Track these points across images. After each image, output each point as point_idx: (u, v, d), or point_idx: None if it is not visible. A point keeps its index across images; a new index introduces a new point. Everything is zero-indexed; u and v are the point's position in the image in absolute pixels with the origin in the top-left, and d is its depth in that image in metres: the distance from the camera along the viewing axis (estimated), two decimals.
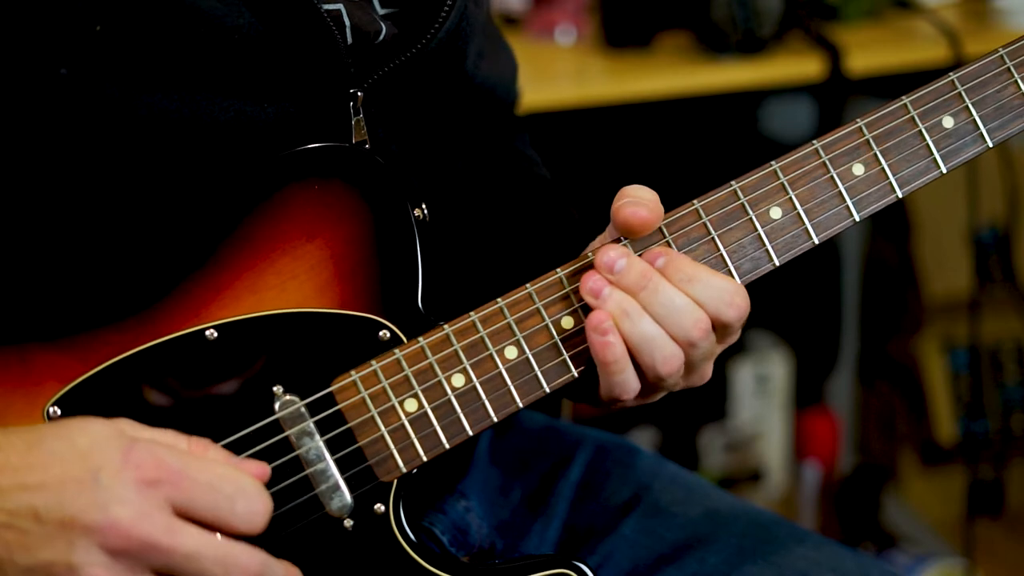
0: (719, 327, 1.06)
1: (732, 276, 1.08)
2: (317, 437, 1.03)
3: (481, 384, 1.05)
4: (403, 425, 1.04)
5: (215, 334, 1.03)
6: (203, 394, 1.03)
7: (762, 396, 2.80)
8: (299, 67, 1.06)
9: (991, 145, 1.12)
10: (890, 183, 1.10)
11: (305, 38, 1.06)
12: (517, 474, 1.33)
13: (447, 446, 1.05)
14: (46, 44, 1.00)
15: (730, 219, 1.09)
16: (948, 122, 1.11)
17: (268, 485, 1.00)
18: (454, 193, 1.24)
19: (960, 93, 1.12)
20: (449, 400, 1.05)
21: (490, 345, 1.05)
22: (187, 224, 1.05)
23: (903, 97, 1.12)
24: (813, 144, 1.10)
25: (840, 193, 1.10)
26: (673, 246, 1.07)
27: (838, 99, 2.34)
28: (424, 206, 1.07)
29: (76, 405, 1.01)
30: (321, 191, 1.05)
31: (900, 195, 1.11)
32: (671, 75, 2.23)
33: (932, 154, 1.11)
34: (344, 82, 1.08)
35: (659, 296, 1.03)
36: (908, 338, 2.77)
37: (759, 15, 2.22)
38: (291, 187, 1.05)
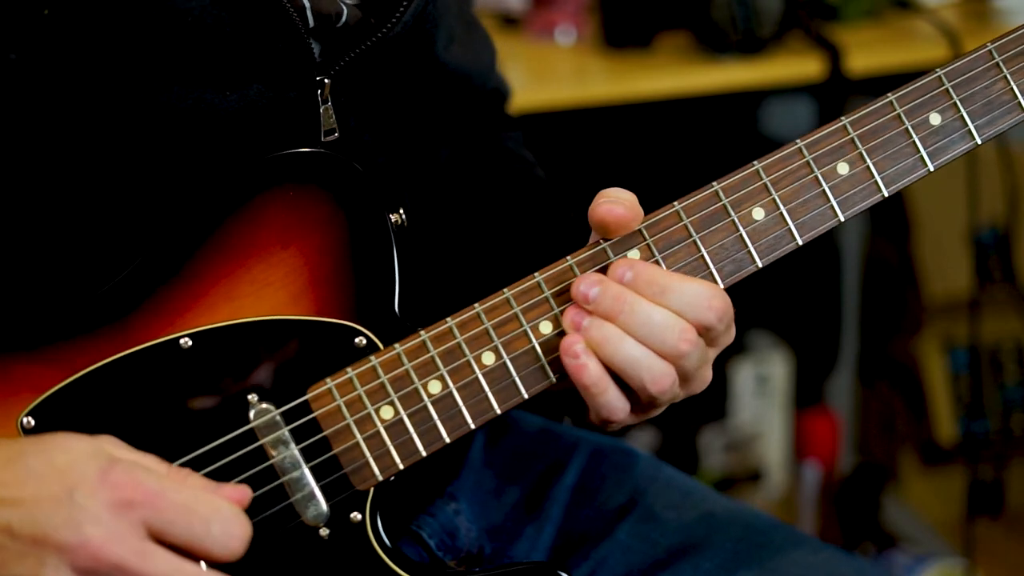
0: (703, 332, 1.03)
1: (714, 278, 1.06)
2: (292, 445, 1.02)
3: (458, 390, 1.04)
4: (379, 432, 1.03)
5: (189, 342, 1.02)
6: (178, 403, 1.02)
7: (762, 396, 2.80)
8: (259, 52, 1.05)
9: (979, 142, 1.10)
10: (875, 182, 1.09)
11: (261, 21, 1.03)
12: (512, 477, 1.31)
13: (424, 453, 1.04)
14: None
15: (712, 220, 1.07)
16: (935, 119, 1.10)
17: None
18: (436, 187, 1.22)
19: (947, 89, 1.10)
20: (426, 407, 1.03)
21: (467, 351, 1.04)
22: (161, 230, 1.04)
23: (889, 94, 1.10)
24: (796, 143, 1.08)
25: (824, 192, 1.08)
26: (654, 248, 1.06)
27: (838, 99, 2.34)
28: (402, 211, 1.06)
29: (50, 415, 1.00)
30: (296, 197, 1.04)
31: (886, 194, 1.09)
32: (671, 75, 2.23)
33: (919, 152, 1.09)
34: (309, 69, 1.07)
35: (637, 316, 1.01)
36: (908, 338, 2.77)
37: (759, 15, 2.22)
38: (266, 193, 1.04)
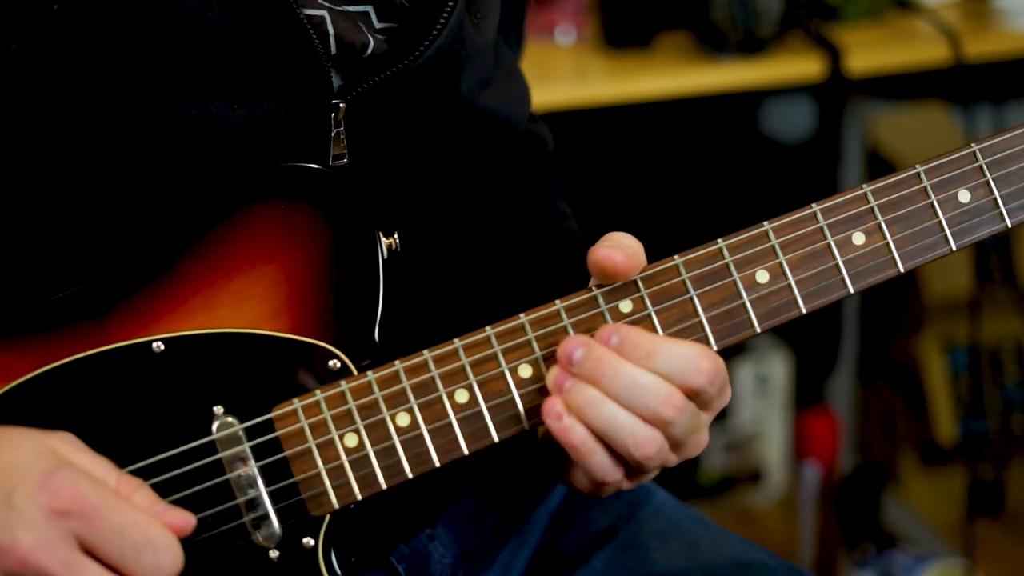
0: (692, 396, 0.98)
1: (708, 340, 1.01)
2: (252, 463, 0.99)
3: (427, 427, 0.99)
4: (340, 460, 0.99)
5: (162, 347, 1.00)
6: (143, 407, 1.00)
7: (762, 396, 2.81)
8: (273, 71, 1.03)
9: (1010, 226, 1.03)
10: (893, 257, 1.02)
11: (280, 42, 1.02)
12: (494, 500, 1.26)
13: (384, 486, 0.99)
14: None
15: (712, 279, 1.01)
16: (964, 196, 1.03)
17: (195, 508, 0.97)
18: (453, 223, 1.19)
19: (981, 167, 1.03)
20: (391, 439, 0.99)
21: (440, 386, 0.99)
22: (147, 229, 1.02)
23: (917, 165, 1.03)
24: (812, 207, 1.02)
25: (836, 262, 1.02)
26: (647, 301, 1.01)
27: (838, 99, 2.35)
28: (397, 235, 1.03)
29: (13, 408, 0.98)
30: (286, 211, 1.02)
31: (902, 270, 1.02)
32: (671, 75, 2.23)
33: (943, 231, 1.02)
34: (324, 92, 1.05)
35: (619, 380, 0.97)
36: (908, 338, 2.77)
37: (759, 15, 2.22)
38: (256, 205, 1.02)
